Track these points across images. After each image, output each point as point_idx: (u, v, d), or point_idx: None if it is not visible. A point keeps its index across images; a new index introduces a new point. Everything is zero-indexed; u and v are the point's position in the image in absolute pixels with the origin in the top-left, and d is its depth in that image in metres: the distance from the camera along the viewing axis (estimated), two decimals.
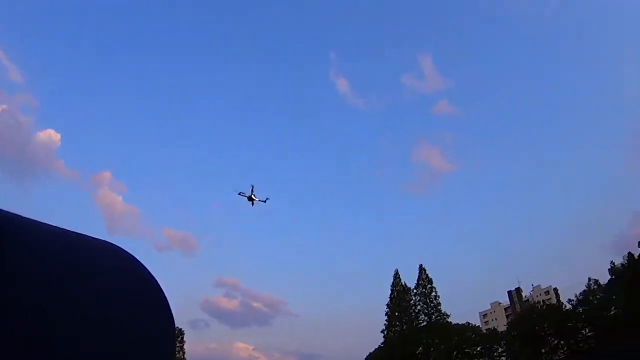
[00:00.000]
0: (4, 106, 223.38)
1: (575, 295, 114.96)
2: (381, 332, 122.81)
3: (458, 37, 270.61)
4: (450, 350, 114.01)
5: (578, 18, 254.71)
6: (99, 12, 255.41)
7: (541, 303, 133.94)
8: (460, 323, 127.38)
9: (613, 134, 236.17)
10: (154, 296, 0.93)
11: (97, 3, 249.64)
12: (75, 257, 0.82)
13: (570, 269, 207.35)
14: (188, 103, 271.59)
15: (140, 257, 0.92)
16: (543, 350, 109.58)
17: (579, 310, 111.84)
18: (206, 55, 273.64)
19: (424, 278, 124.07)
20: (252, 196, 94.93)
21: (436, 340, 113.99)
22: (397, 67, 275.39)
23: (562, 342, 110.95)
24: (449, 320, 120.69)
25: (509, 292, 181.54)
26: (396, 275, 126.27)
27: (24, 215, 0.81)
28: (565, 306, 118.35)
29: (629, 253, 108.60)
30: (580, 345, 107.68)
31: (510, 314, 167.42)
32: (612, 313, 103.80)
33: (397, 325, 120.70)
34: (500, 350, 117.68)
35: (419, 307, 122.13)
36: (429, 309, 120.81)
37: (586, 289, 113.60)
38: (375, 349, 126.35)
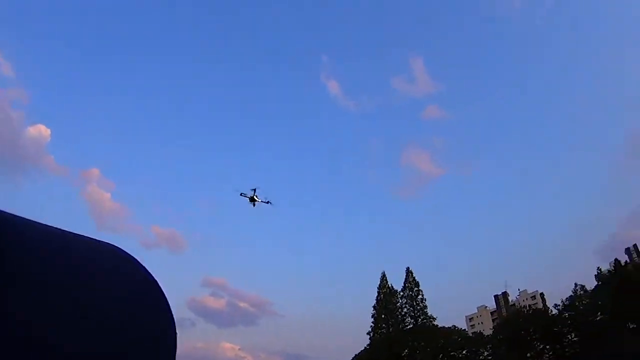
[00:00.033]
0: None
1: (562, 301, 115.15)
2: (367, 333, 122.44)
3: (450, 41, 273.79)
4: (436, 353, 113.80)
5: (572, 20, 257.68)
6: (93, 11, 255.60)
7: (527, 307, 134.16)
8: (446, 326, 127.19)
9: (603, 143, 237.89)
10: (155, 297, 0.93)
11: (91, 2, 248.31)
12: (75, 257, 0.82)
13: (556, 274, 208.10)
14: (179, 103, 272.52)
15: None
16: (529, 355, 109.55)
17: (565, 316, 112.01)
18: (201, 56, 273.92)
19: (410, 281, 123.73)
20: (255, 197, 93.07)
21: (422, 343, 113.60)
22: (388, 69, 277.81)
23: (547, 347, 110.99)
24: (435, 323, 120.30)
25: (496, 296, 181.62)
26: (383, 278, 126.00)
27: (24, 217, 0.81)
28: (552, 311, 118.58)
29: (616, 259, 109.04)
30: (566, 350, 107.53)
31: (496, 317, 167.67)
32: (598, 319, 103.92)
33: (383, 328, 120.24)
34: (486, 354, 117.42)
35: (405, 309, 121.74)
36: (416, 311, 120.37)
37: (572, 294, 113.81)
38: (361, 350, 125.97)
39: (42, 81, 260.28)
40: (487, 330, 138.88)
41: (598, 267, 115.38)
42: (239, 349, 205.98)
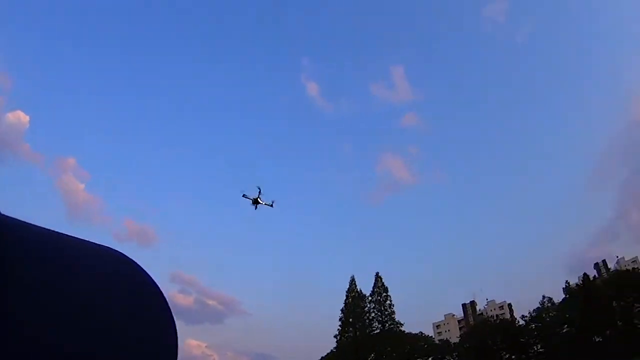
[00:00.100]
0: None
1: (529, 312, 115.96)
2: (334, 336, 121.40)
3: (433, 52, 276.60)
4: (402, 358, 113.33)
5: (554, 38, 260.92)
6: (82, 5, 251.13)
7: (495, 317, 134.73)
8: (413, 332, 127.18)
9: (577, 159, 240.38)
10: (155, 300, 0.93)
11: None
12: (76, 260, 0.83)
13: (525, 286, 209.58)
14: (163, 100, 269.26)
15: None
16: None
17: (532, 327, 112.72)
18: (193, 53, 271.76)
19: (379, 286, 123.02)
20: (258, 199, 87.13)
21: (388, 348, 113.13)
22: (369, 75, 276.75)
23: (513, 357, 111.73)
24: (402, 329, 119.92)
25: (464, 305, 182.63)
26: (352, 282, 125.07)
27: (24, 220, 0.81)
28: (519, 322, 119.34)
29: (585, 274, 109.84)
30: None
31: (463, 326, 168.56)
32: (564, 331, 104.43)
33: (350, 331, 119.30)
34: None
35: (373, 314, 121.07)
36: (383, 316, 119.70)
37: (540, 306, 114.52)
38: (328, 353, 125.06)
39: (25, 67, 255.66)
40: (454, 338, 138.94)
41: (566, 281, 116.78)
42: (206, 346, 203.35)
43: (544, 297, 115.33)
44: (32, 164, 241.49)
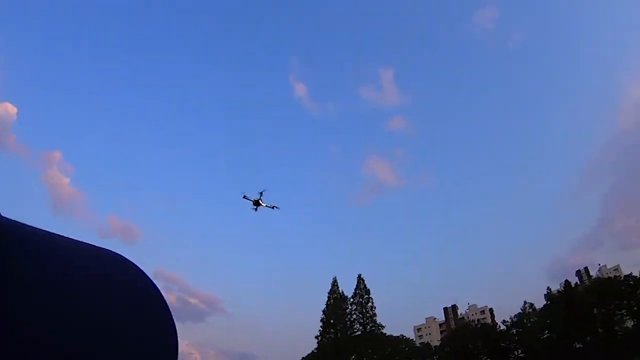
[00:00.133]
0: None
1: (510, 317, 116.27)
2: (315, 337, 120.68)
3: (422, 57, 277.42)
4: None
5: (544, 46, 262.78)
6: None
7: (476, 322, 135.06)
8: (394, 335, 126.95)
9: (563, 165, 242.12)
10: (156, 303, 0.94)
11: None
12: (77, 264, 0.83)
13: (506, 291, 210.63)
14: (151, 97, 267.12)
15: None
16: None
17: (513, 332, 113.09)
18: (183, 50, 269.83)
19: (361, 288, 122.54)
20: (260, 201, 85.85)
21: (369, 350, 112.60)
22: (358, 77, 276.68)
23: None
24: (383, 331, 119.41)
25: (445, 309, 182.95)
26: (334, 283, 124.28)
27: (26, 223, 0.81)
28: (500, 327, 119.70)
29: (566, 281, 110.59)
30: None
31: (444, 330, 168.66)
32: (545, 336, 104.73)
33: (332, 333, 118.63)
34: None
35: (354, 316, 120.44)
36: (365, 318, 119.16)
37: (521, 311, 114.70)
38: (309, 354, 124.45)
39: (16, 61, 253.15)
40: (435, 342, 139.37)
41: (548, 287, 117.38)
42: (187, 345, 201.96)
43: (525, 302, 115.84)
44: (18, 155, 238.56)
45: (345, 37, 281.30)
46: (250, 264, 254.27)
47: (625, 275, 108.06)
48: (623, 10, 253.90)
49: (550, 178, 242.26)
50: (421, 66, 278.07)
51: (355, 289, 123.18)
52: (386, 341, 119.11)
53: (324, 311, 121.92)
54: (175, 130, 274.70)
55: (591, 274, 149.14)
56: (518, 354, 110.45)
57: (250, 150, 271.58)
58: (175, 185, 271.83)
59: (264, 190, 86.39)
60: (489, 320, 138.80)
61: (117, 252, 0.97)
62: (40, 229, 0.84)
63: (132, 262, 0.97)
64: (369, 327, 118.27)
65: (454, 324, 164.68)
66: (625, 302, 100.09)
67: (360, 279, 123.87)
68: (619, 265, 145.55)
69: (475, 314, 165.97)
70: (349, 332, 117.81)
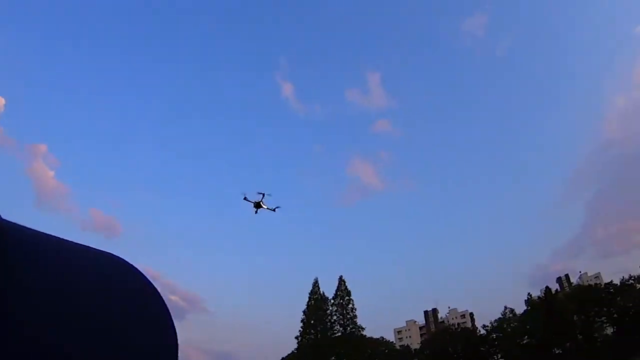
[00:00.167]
0: None
1: (490, 322, 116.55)
2: (295, 338, 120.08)
3: (410, 62, 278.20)
4: None
5: (531, 54, 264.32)
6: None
7: (456, 326, 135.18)
8: (374, 337, 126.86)
9: (546, 172, 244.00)
10: (155, 305, 0.94)
11: None
12: (77, 266, 0.84)
13: (487, 296, 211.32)
14: (141, 93, 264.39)
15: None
16: None
17: (493, 337, 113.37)
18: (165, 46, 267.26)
19: (342, 289, 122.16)
20: (261, 203, 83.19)
21: (350, 352, 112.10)
22: (345, 80, 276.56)
23: None
24: (363, 333, 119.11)
25: (425, 312, 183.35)
26: (315, 284, 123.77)
27: (26, 226, 0.82)
28: (480, 331, 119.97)
29: (547, 287, 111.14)
30: None
31: (424, 333, 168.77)
32: (525, 342, 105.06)
33: (312, 333, 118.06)
34: None
35: (335, 317, 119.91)
36: (345, 320, 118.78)
37: (501, 316, 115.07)
38: (288, 354, 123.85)
39: (13, 57, 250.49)
40: (415, 345, 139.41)
41: (528, 293, 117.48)
42: None
43: (505, 307, 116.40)
44: (3, 147, 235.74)
45: (334, 40, 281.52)
46: (234, 263, 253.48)
47: (605, 283, 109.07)
48: (609, 19, 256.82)
49: (535, 185, 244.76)
50: (409, 71, 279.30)
51: (336, 290, 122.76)
52: (366, 343, 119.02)
53: (304, 312, 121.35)
54: (171, 131, 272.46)
55: (572, 281, 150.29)
56: (498, 359, 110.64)
57: (237, 149, 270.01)
58: (162, 184, 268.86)
59: (264, 193, 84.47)
60: (469, 325, 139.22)
61: (117, 255, 0.97)
62: (40, 232, 0.84)
63: (131, 264, 0.97)
64: (349, 328, 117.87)
65: (434, 327, 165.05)
66: (605, 309, 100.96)
67: (341, 280, 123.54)
68: (599, 273, 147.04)
69: (456, 318, 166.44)
70: (329, 333, 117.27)
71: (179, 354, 0.89)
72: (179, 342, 0.90)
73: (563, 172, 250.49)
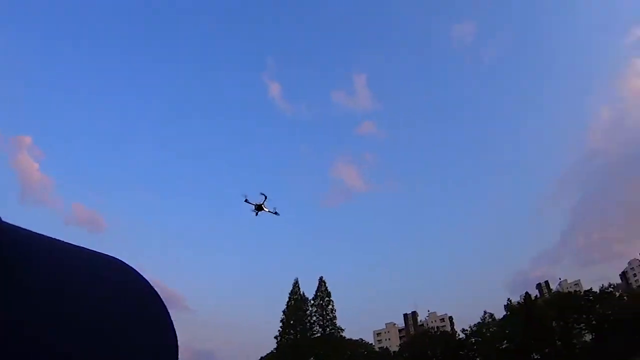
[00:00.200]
0: None
1: (470, 326, 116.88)
2: (275, 337, 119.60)
3: (397, 65, 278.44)
4: None
5: (520, 62, 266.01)
6: None
7: (435, 329, 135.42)
8: (353, 339, 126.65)
9: (530, 179, 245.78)
10: (155, 308, 0.94)
11: None
12: (77, 268, 0.84)
13: (467, 301, 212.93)
14: (126, 86, 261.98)
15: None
16: None
17: (472, 341, 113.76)
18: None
19: (323, 290, 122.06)
20: (262, 206, 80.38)
21: (329, 353, 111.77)
22: (332, 81, 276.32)
23: None
24: (343, 334, 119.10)
25: (405, 315, 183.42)
26: (295, 284, 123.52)
27: (27, 229, 0.82)
28: (459, 335, 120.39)
29: (527, 293, 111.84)
30: None
31: (404, 335, 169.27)
32: (504, 346, 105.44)
33: (291, 334, 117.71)
34: None
35: (314, 318, 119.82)
36: (325, 321, 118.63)
37: (481, 321, 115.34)
38: (267, 353, 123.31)
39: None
40: (394, 347, 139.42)
41: (508, 298, 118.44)
42: None
43: (485, 312, 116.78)
44: None
45: (321, 40, 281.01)
46: (216, 261, 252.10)
47: (585, 291, 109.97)
48: (597, 30, 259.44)
49: (519, 191, 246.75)
50: (395, 74, 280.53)
51: (317, 291, 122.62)
52: (345, 344, 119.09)
53: (284, 312, 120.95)
54: (163, 129, 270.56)
55: (552, 288, 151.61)
56: None
57: (220, 147, 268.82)
58: (148, 181, 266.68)
59: (266, 195, 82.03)
60: (448, 329, 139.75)
61: (117, 257, 0.97)
62: (39, 234, 0.84)
63: (131, 267, 0.97)
64: (328, 329, 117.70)
65: (413, 330, 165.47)
66: (584, 316, 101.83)
67: (321, 281, 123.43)
68: (579, 280, 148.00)
69: (435, 321, 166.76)
70: (308, 334, 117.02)
71: (179, 356, 0.89)
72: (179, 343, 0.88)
73: (547, 180, 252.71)
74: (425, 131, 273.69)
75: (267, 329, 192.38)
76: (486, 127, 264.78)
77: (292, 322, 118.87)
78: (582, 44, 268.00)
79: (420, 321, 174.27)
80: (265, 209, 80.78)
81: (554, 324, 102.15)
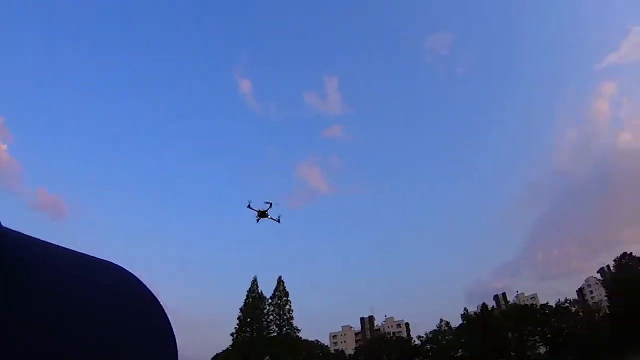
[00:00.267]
0: None
1: (425, 333, 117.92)
2: (231, 334, 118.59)
3: (369, 71, 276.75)
4: None
5: (491, 75, 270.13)
6: None
7: (391, 334, 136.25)
8: (310, 340, 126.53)
9: (495, 190, 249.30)
10: (155, 313, 0.95)
11: None
12: (78, 273, 0.84)
13: (423, 307, 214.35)
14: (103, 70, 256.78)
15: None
16: None
17: (427, 348, 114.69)
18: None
19: (281, 289, 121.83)
20: (266, 212, 77.47)
21: (285, 352, 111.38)
22: (303, 82, 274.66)
23: None
24: (299, 335, 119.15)
25: (362, 319, 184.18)
26: (254, 282, 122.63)
27: (28, 234, 0.83)
28: (414, 341, 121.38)
29: (484, 303, 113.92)
30: None
31: (360, 339, 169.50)
32: (458, 354, 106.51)
33: (248, 331, 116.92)
34: None
35: (271, 317, 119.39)
36: (282, 320, 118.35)
37: (437, 328, 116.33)
38: (223, 350, 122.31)
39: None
40: (349, 350, 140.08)
41: (465, 308, 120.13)
42: None
43: (441, 320, 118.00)
44: None
45: (295, 40, 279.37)
46: (176, 257, 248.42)
47: (541, 304, 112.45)
48: (572, 52, 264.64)
49: (483, 203, 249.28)
50: (368, 80, 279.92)
51: (275, 290, 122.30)
52: (301, 345, 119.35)
53: (241, 309, 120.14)
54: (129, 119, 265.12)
55: (508, 300, 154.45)
56: None
57: (185, 141, 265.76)
58: (116, 175, 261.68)
59: (271, 203, 78.50)
60: (404, 334, 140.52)
61: (117, 264, 0.98)
62: (40, 239, 0.85)
63: (131, 273, 0.98)
64: (285, 329, 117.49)
65: (369, 334, 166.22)
66: (539, 329, 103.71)
67: (280, 281, 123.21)
68: (536, 293, 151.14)
69: (392, 326, 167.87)
70: (264, 333, 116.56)
71: None
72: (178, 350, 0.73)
73: (512, 194, 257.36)
74: (393, 138, 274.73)
75: (225, 326, 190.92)
76: (455, 138, 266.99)
77: (249, 319, 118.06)
78: (553, 66, 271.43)
79: (377, 326, 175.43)
80: (268, 216, 78.14)
81: (509, 335, 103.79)
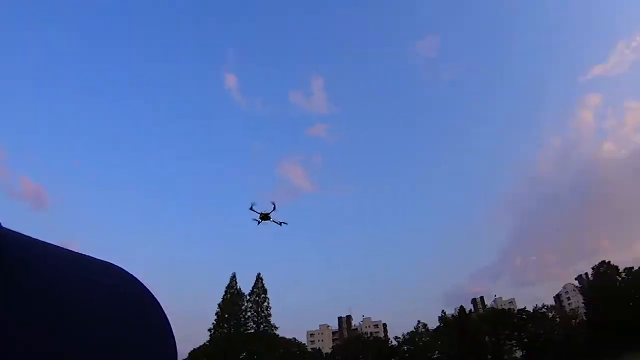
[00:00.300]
0: None
1: (403, 334, 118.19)
2: (209, 330, 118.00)
3: (355, 72, 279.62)
4: None
5: (476, 84, 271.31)
6: None
7: (369, 334, 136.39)
8: (287, 337, 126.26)
9: (478, 193, 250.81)
10: (155, 315, 0.94)
11: None
12: (77, 275, 0.84)
13: (401, 309, 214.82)
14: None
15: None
16: None
17: (404, 349, 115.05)
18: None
19: (259, 287, 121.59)
20: (268, 215, 74.03)
21: (262, 350, 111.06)
22: (289, 80, 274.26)
23: None
24: (276, 332, 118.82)
25: (340, 318, 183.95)
26: (233, 278, 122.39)
27: (29, 235, 0.83)
28: (391, 342, 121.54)
29: (461, 306, 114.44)
30: None
31: (337, 338, 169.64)
32: (435, 356, 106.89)
33: (225, 327, 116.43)
34: None
35: (249, 313, 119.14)
36: (259, 317, 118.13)
37: (414, 329, 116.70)
38: (200, 345, 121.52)
39: None
40: (327, 349, 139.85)
41: (443, 310, 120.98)
42: None
43: (419, 322, 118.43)
44: None
45: (283, 38, 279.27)
46: (157, 253, 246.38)
47: (519, 309, 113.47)
48: (560, 61, 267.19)
49: (465, 207, 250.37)
50: (354, 81, 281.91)
51: (253, 287, 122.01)
52: (279, 342, 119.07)
53: (219, 305, 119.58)
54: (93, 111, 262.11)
55: (486, 304, 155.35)
56: None
57: (170, 134, 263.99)
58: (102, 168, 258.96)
59: (275, 204, 76.42)
60: (381, 335, 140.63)
61: (118, 265, 0.98)
62: (40, 240, 0.85)
63: (131, 274, 0.98)
64: (262, 326, 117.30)
65: (347, 334, 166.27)
66: (516, 333, 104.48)
67: (259, 278, 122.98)
68: (514, 298, 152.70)
69: (369, 326, 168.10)
70: (242, 329, 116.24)
71: None
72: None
73: (493, 198, 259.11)
74: (378, 138, 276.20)
75: (203, 322, 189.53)
76: (439, 142, 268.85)
77: (226, 316, 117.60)
78: (540, 75, 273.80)
79: (355, 325, 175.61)
80: (271, 219, 75.98)
81: (486, 338, 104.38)
